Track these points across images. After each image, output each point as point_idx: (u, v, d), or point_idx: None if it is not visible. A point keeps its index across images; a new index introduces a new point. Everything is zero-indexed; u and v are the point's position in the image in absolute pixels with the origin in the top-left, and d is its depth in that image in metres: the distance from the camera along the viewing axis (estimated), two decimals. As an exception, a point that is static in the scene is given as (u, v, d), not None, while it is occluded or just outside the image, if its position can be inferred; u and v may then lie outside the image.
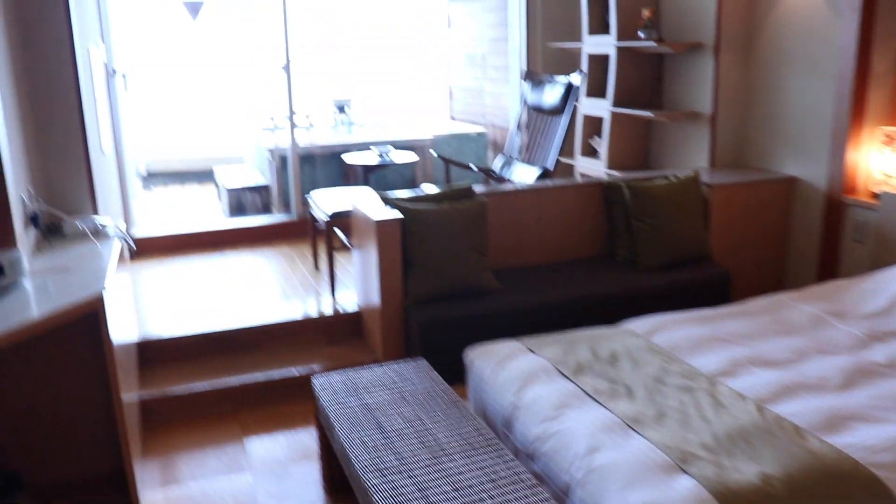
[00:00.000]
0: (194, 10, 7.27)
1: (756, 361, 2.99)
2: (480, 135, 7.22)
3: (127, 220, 5.62)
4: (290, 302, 4.61)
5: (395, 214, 3.90)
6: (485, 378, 3.03)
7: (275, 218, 6.20)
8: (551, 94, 5.02)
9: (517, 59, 6.43)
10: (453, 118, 8.63)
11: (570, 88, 4.89)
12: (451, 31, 8.57)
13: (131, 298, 4.07)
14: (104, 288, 2.79)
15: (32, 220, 3.32)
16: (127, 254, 3.80)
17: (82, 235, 3.54)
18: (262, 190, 6.75)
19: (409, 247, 3.92)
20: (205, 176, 8.60)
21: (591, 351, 3.08)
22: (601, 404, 2.66)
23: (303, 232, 5.88)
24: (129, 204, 5.68)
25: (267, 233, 6.01)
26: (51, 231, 3.58)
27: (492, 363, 3.05)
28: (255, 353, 4.22)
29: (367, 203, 4.19)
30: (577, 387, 2.79)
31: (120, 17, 6.76)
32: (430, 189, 5.07)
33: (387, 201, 4.03)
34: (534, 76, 5.36)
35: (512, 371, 2.95)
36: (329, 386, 3.05)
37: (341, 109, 8.12)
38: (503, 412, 2.83)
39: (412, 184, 6.81)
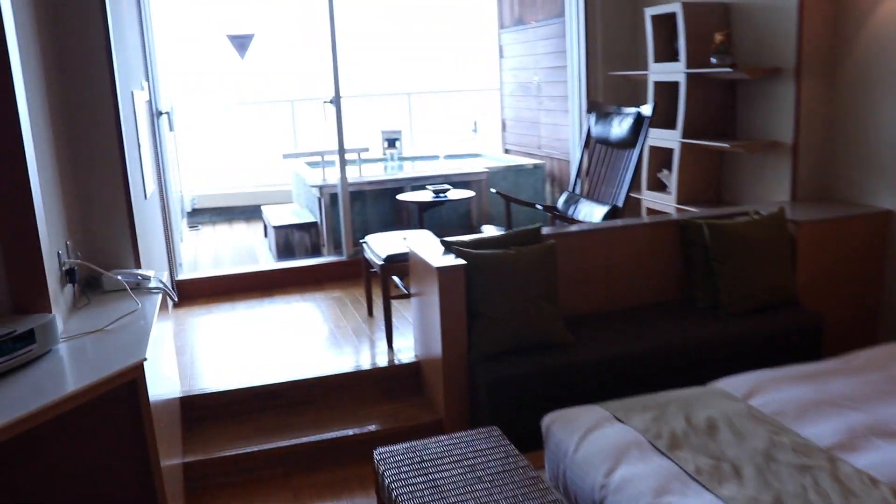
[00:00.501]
0: (242, 46, 7.08)
1: (878, 431, 2.61)
2: (537, 167, 6.91)
3: (171, 262, 5.40)
4: (343, 352, 4.32)
5: (458, 261, 3.59)
6: (567, 451, 2.69)
7: (325, 259, 5.94)
8: (619, 127, 4.69)
9: (576, 88, 6.12)
10: (507, 150, 8.34)
11: (640, 120, 4.56)
12: (504, 61, 8.30)
13: (174, 351, 3.81)
14: (144, 357, 2.52)
15: (69, 275, 3.08)
16: (170, 305, 3.55)
17: (123, 290, 3.29)
18: (310, 228, 6.51)
19: (474, 295, 3.61)
20: (252, 212, 8.41)
21: (685, 418, 2.73)
22: (707, 488, 2.30)
23: (355, 274, 5.61)
24: (173, 246, 5.47)
25: (317, 274, 5.75)
26: (89, 285, 3.35)
27: (574, 434, 2.71)
28: (307, 410, 3.93)
29: (426, 247, 3.89)
30: (675, 465, 2.44)
31: (167, 56, 6.62)
32: (490, 230, 4.77)
33: (448, 246, 3.73)
34: (599, 108, 5.04)
35: (598, 444, 2.61)
36: (391, 459, 2.73)
37: (391, 143, 7.87)
38: (591, 494, 2.48)
39: (468, 221, 6.52)
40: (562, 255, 3.93)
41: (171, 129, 5.89)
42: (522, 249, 3.72)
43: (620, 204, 4.58)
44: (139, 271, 3.44)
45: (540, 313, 3.68)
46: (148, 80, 5.14)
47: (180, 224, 6.96)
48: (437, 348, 3.71)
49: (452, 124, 9.20)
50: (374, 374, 4.07)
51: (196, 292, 5.51)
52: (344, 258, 5.84)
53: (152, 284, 3.40)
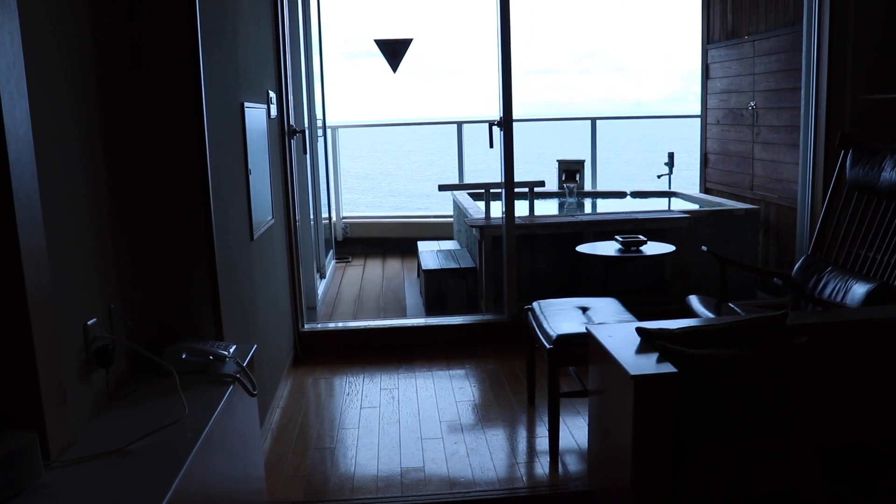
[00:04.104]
0: (394, 54, 6.13)
1: None
2: (750, 213, 5.55)
3: (296, 309, 4.49)
4: (491, 459, 3.20)
5: (665, 366, 2.40)
6: None
7: (482, 317, 4.84)
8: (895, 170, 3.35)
9: (811, 116, 4.76)
10: (707, 189, 6.99)
11: (930, 161, 3.21)
12: (709, 83, 6.98)
13: (258, 452, 2.84)
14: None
15: (101, 356, 2.14)
16: (249, 393, 2.57)
17: (187, 372, 2.34)
18: (468, 275, 5.45)
19: (684, 416, 2.41)
20: (410, 246, 7.42)
21: None
22: None
23: (515, 339, 4.46)
24: (301, 288, 4.56)
25: (470, 336, 4.67)
26: (144, 364, 2.42)
27: None
28: (435, 545, 2.85)
29: (614, 333, 2.72)
30: None
31: (313, 71, 5.81)
32: (699, 306, 3.54)
33: (649, 339, 2.55)
34: (859, 143, 3.70)
35: None
36: None
37: (570, 175, 6.73)
38: None
39: (660, 279, 5.25)
40: (811, 355, 2.65)
41: (308, 150, 5.02)
42: (759, 350, 2.48)
43: None
44: (214, 347, 2.49)
45: (782, 448, 2.44)
46: (283, 93, 4.28)
47: (322, 258, 6.11)
48: (622, 483, 2.53)
49: (641, 156, 7.93)
50: (529, 500, 2.93)
51: (324, 347, 4.58)
52: (504, 318, 4.72)
53: (225, 369, 2.43)
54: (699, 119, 7.27)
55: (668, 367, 2.38)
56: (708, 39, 7.02)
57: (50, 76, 1.92)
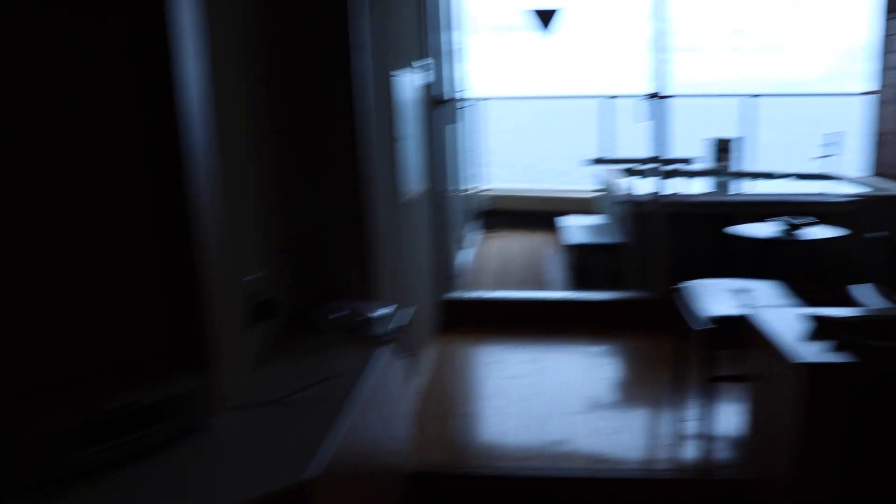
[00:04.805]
0: (544, 23, 5.95)
1: None
2: (925, 200, 5.14)
3: (439, 277, 4.50)
4: (629, 440, 3.10)
5: (840, 356, 2.25)
6: None
7: (627, 294, 4.71)
8: None
9: None
10: (879, 173, 6.52)
11: None
12: (889, 57, 6.49)
13: (403, 415, 2.86)
14: (305, 479, 1.55)
15: (264, 309, 2.20)
16: (403, 368, 2.59)
17: (342, 330, 2.39)
18: (613, 251, 5.30)
19: (856, 416, 2.25)
20: (553, 220, 7.30)
21: None
22: None
23: (662, 318, 4.30)
24: (446, 257, 4.57)
25: (616, 314, 4.55)
26: (301, 319, 2.48)
27: None
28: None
29: (778, 317, 2.58)
30: None
31: (460, 41, 5.76)
32: (870, 295, 3.32)
33: (824, 327, 2.39)
34: None
35: None
36: None
37: (721, 153, 6.43)
38: None
39: (818, 265, 4.94)
40: None
41: (453, 121, 4.99)
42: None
43: None
44: (369, 308, 2.51)
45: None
46: (430, 63, 4.26)
47: (465, 228, 6.11)
48: (781, 474, 2.41)
49: (793, 136, 7.51)
50: (679, 486, 2.83)
51: (467, 316, 4.57)
52: (651, 296, 4.57)
53: (379, 330, 2.45)
54: (870, 97, 6.78)
55: (843, 357, 2.23)
56: (890, 9, 6.51)
57: (221, 38, 1.97)
